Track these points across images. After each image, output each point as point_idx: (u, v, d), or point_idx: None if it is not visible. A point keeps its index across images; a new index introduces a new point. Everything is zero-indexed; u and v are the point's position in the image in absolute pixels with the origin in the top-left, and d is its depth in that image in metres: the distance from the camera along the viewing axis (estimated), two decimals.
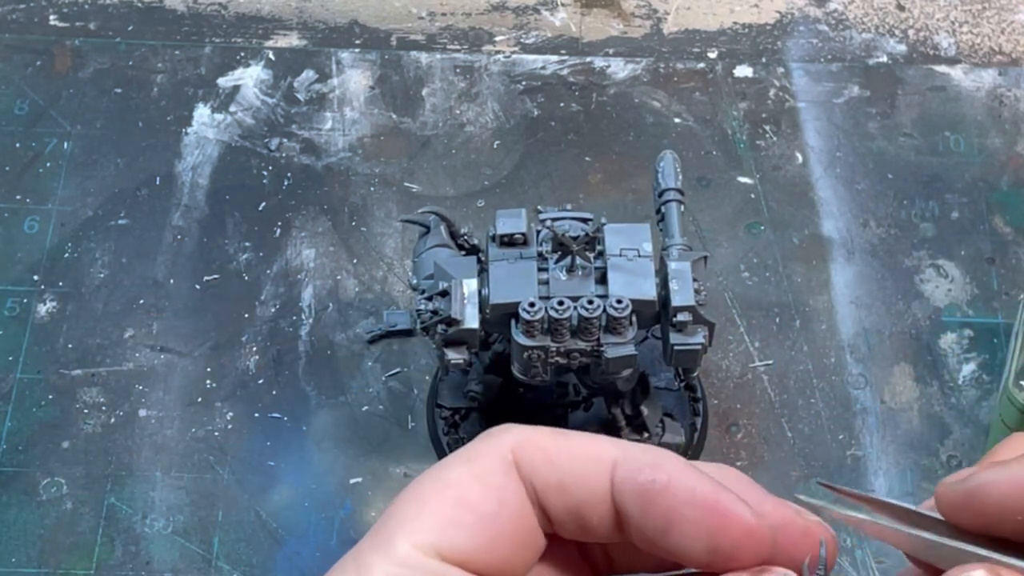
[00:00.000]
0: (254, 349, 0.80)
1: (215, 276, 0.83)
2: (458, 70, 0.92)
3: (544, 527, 0.34)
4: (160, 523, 0.74)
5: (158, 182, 0.87)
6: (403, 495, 0.33)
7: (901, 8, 0.96)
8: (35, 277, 0.83)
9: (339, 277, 0.83)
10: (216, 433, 0.77)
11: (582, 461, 0.34)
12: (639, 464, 0.33)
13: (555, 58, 0.93)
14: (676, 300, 0.65)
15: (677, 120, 0.90)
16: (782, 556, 0.34)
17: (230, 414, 0.78)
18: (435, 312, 0.66)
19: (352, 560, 0.33)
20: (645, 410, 0.72)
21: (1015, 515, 0.31)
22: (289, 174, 0.87)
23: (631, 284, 0.66)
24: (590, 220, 0.68)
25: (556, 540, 0.35)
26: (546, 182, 0.87)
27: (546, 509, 0.34)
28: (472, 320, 0.66)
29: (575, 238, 0.65)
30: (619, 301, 0.64)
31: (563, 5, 0.96)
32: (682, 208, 0.70)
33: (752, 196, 0.87)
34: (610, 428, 0.73)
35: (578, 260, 0.66)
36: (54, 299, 0.82)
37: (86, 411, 0.78)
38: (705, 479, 0.33)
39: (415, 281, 0.68)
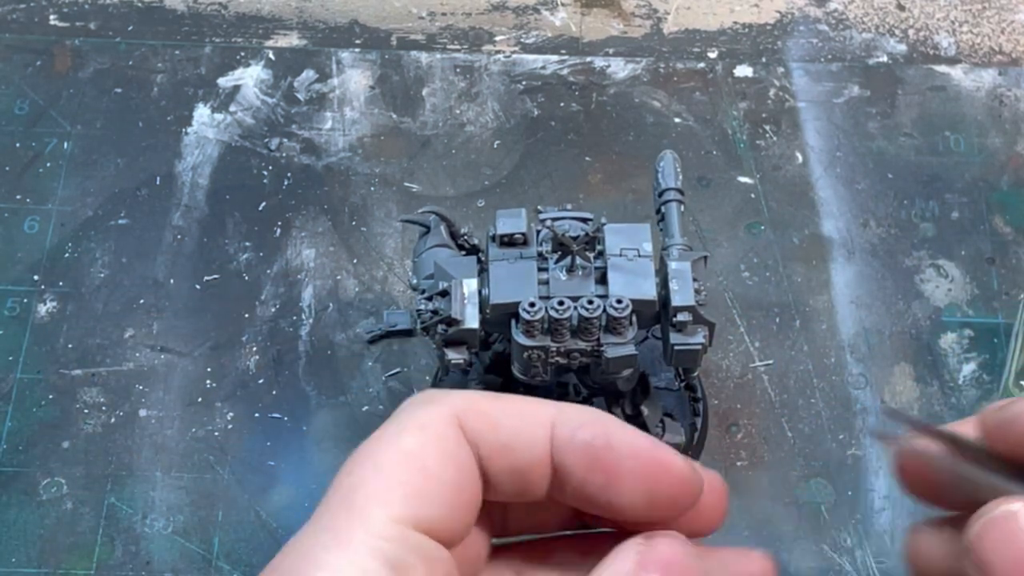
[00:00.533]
0: (254, 349, 0.80)
1: (215, 276, 0.83)
2: (458, 70, 0.92)
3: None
4: (160, 523, 0.74)
5: (158, 182, 0.87)
6: (360, 463, 0.34)
7: (901, 8, 0.96)
8: (35, 277, 0.83)
9: (339, 277, 0.83)
10: (216, 433, 0.77)
11: (522, 423, 0.34)
12: (578, 422, 0.34)
13: (555, 58, 0.93)
14: (676, 300, 0.65)
15: (677, 120, 0.90)
16: (705, 513, 0.35)
17: (230, 414, 0.78)
18: (435, 312, 0.66)
19: (328, 533, 0.33)
20: (645, 410, 0.72)
21: None
22: (289, 174, 0.87)
23: (631, 284, 0.66)
24: (590, 220, 0.68)
25: None
26: (546, 182, 0.87)
27: (487, 472, 0.34)
28: (472, 320, 0.66)
29: (575, 238, 0.65)
30: (619, 301, 0.64)
31: (563, 5, 0.96)
32: (682, 208, 0.70)
33: (752, 196, 0.87)
34: None
35: (578, 260, 0.66)
36: (54, 299, 0.82)
37: (86, 411, 0.78)
38: (642, 435, 0.34)
39: (415, 281, 0.68)
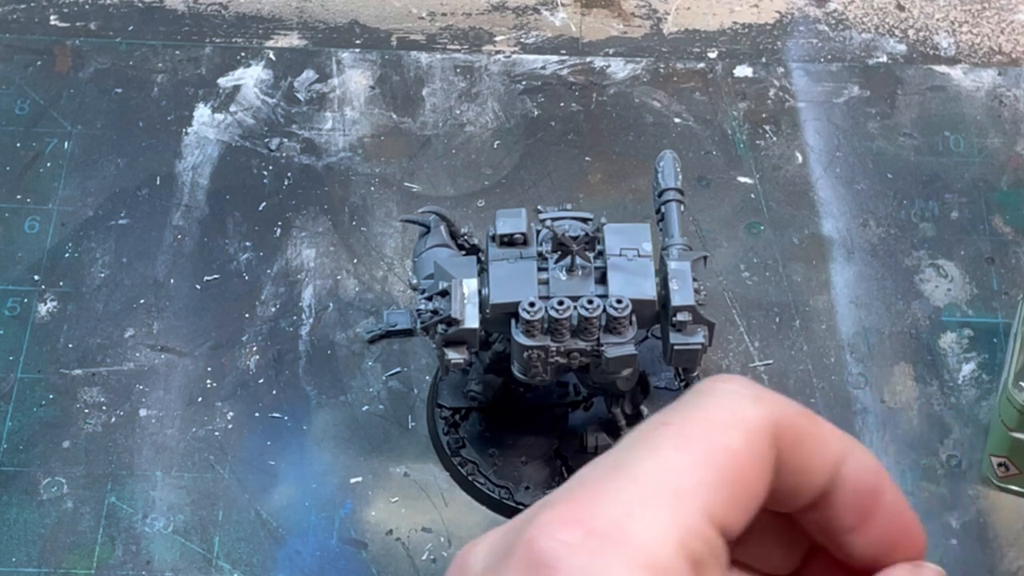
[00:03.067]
0: (254, 349, 0.80)
1: (215, 276, 0.83)
2: (458, 70, 0.92)
3: None
4: (160, 523, 0.74)
5: (158, 182, 0.87)
6: (681, 443, 0.32)
7: (901, 8, 0.96)
8: (36, 277, 0.83)
9: (339, 277, 0.83)
10: (216, 433, 0.77)
11: (821, 450, 0.34)
12: (867, 467, 0.34)
13: (555, 58, 0.93)
14: (676, 300, 0.65)
15: (677, 120, 0.90)
16: None
17: (230, 414, 0.78)
18: (435, 312, 0.66)
19: (640, 504, 0.31)
20: (645, 410, 0.73)
21: None
22: (289, 174, 0.87)
23: (631, 284, 0.66)
24: (590, 220, 0.68)
25: None
26: (546, 182, 0.87)
27: (774, 486, 0.34)
28: (472, 320, 0.66)
29: (575, 238, 0.65)
30: (619, 301, 0.64)
31: (563, 5, 0.96)
32: (682, 208, 0.70)
33: (752, 196, 0.87)
34: (610, 428, 0.73)
35: (578, 260, 0.66)
36: (54, 299, 0.82)
37: (86, 411, 0.78)
38: (902, 496, 0.35)
39: (415, 281, 0.69)
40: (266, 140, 0.89)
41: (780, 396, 0.34)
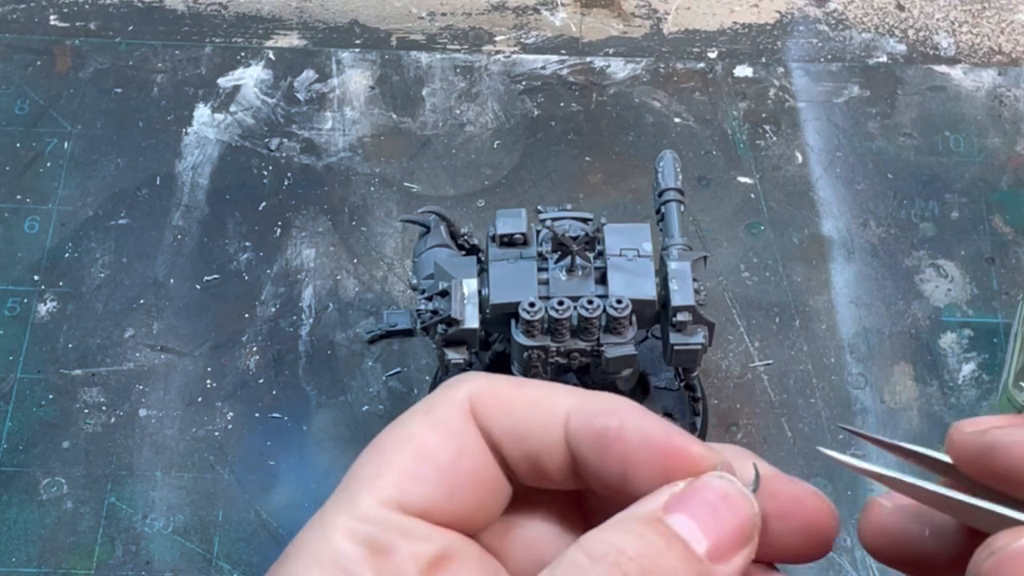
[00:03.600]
0: (254, 349, 0.80)
1: (215, 276, 0.83)
2: (458, 70, 0.92)
3: (510, 476, 0.35)
4: (160, 523, 0.74)
5: (158, 182, 0.87)
6: (365, 453, 0.34)
7: (901, 8, 0.96)
8: (35, 277, 0.83)
9: (339, 277, 0.83)
10: (216, 433, 0.77)
11: (536, 409, 0.34)
12: (592, 411, 0.33)
13: (555, 58, 0.93)
14: (676, 300, 0.65)
15: (677, 120, 0.90)
16: (792, 536, 0.34)
17: (230, 414, 0.78)
18: (435, 312, 0.66)
19: (318, 520, 0.34)
20: None
21: None
22: (289, 174, 0.87)
23: (631, 284, 0.66)
24: (590, 220, 0.68)
25: (549, 491, 0.35)
26: (546, 182, 0.87)
27: (504, 457, 0.34)
28: (472, 320, 0.66)
29: (575, 238, 0.66)
30: (619, 301, 0.64)
31: (563, 5, 0.96)
32: (682, 208, 0.70)
33: (752, 196, 0.87)
34: None
35: (578, 260, 0.66)
36: (54, 299, 0.82)
37: (86, 411, 0.78)
38: (657, 421, 0.34)
39: (415, 281, 0.69)
40: (266, 140, 0.89)
41: (490, 375, 0.35)
